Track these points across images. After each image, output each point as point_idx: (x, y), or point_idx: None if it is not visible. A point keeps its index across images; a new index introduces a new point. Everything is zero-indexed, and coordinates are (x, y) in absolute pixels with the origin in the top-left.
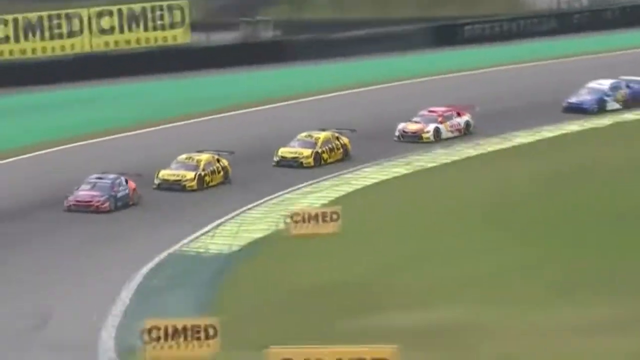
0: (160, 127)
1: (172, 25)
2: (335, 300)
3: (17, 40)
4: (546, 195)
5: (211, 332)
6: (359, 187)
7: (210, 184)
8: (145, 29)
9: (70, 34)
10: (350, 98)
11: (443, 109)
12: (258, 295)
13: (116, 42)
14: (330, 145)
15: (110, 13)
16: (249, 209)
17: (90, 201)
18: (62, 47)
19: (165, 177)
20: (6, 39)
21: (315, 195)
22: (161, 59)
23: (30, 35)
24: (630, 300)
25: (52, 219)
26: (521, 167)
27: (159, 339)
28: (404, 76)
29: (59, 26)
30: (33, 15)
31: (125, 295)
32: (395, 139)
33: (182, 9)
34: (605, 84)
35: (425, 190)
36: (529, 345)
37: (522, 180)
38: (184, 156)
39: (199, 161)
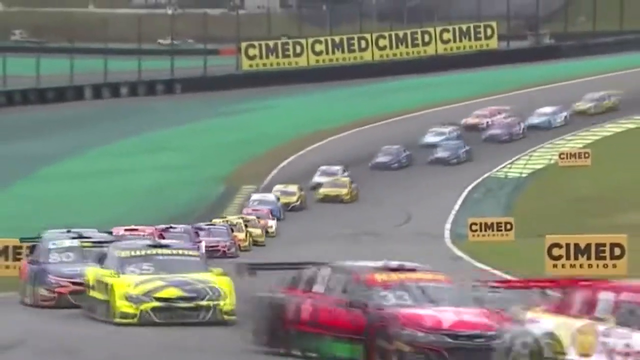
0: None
1: (486, 37)
2: (591, 206)
3: (391, 47)
4: None
5: (508, 226)
6: (605, 135)
7: None
8: (470, 39)
9: (424, 44)
10: (604, 80)
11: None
12: (539, 204)
13: (457, 47)
14: None
15: (454, 30)
16: (533, 151)
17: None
18: (424, 51)
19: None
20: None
21: (575, 141)
22: (476, 58)
23: (400, 45)
24: None
25: (415, 162)
26: None
27: (477, 230)
28: None
29: (418, 39)
30: (401, 33)
31: (457, 203)
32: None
33: (492, 28)
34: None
35: None
36: None
37: None
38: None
39: None
